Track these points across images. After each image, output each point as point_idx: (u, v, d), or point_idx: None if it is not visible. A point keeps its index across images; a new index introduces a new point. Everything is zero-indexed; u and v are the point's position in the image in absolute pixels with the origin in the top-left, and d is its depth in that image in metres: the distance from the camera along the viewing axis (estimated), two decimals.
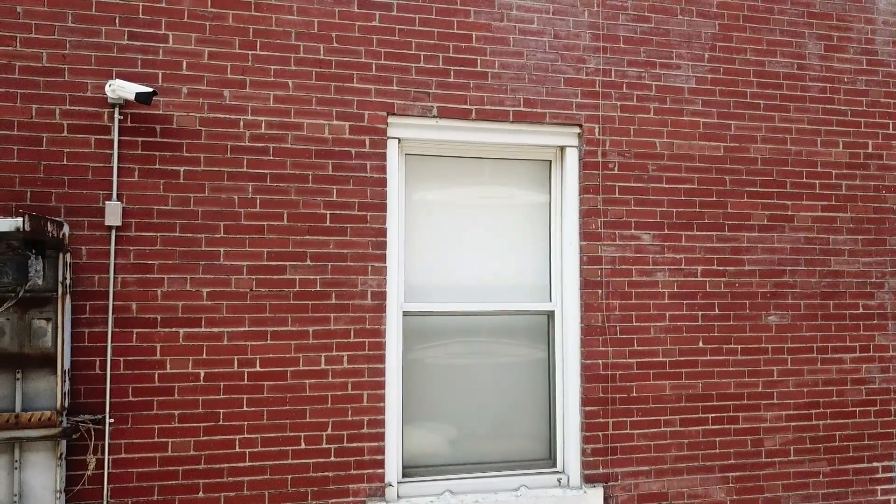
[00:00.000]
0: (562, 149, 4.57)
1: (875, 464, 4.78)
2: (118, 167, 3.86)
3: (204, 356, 3.90)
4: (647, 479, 4.42)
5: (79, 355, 3.74)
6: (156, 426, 3.82)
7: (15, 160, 3.75)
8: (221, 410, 3.91)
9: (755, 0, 4.82)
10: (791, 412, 4.67)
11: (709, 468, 4.51)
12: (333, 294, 4.08)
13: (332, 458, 4.01)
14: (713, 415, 4.54)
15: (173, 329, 3.88)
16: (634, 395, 4.43)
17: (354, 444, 4.05)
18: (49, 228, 3.43)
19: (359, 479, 4.04)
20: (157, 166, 3.92)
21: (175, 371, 3.86)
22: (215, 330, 3.93)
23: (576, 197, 4.50)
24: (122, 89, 3.76)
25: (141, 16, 3.95)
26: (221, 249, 3.96)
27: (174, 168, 3.93)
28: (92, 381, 3.75)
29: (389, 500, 4.09)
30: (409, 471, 4.27)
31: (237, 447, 3.91)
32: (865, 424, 4.78)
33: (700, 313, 4.57)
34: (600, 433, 4.37)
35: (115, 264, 3.82)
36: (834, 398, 4.75)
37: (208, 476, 3.86)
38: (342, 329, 4.08)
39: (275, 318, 4.00)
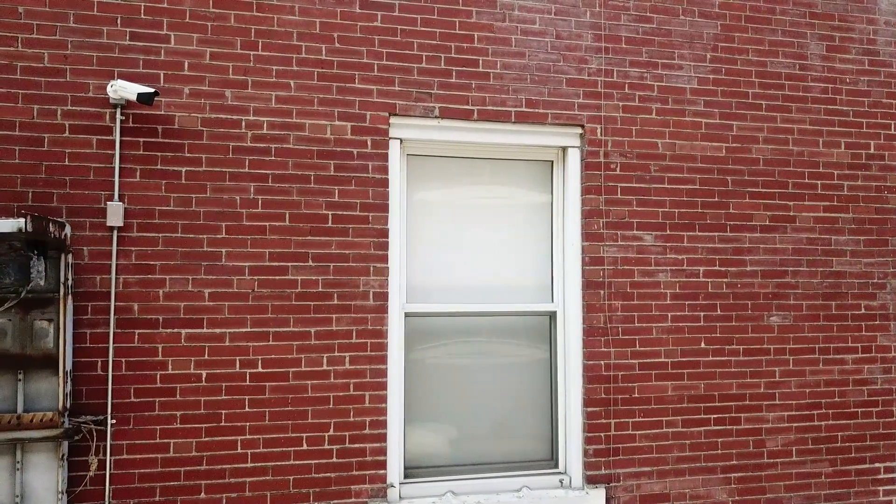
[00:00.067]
0: (563, 149, 4.56)
1: (877, 464, 4.78)
2: (120, 168, 3.86)
3: (206, 357, 3.90)
4: (649, 479, 4.41)
5: (80, 356, 3.73)
6: (157, 427, 3.82)
7: (16, 160, 3.74)
8: (223, 411, 3.90)
9: (757, 0, 4.82)
10: (793, 413, 4.67)
11: (711, 469, 4.51)
12: (335, 295, 4.08)
13: (334, 459, 4.01)
14: (715, 415, 4.54)
15: (175, 330, 3.87)
16: (636, 395, 4.43)
17: (356, 445, 4.04)
18: (51, 229, 3.43)
19: (361, 479, 4.04)
20: (158, 167, 3.91)
21: (177, 372, 3.86)
22: (217, 331, 3.92)
23: (577, 197, 4.50)
24: (123, 90, 3.75)
25: (143, 16, 3.95)
26: (223, 250, 3.96)
27: (176, 168, 3.93)
28: (94, 381, 3.75)
29: (391, 500, 4.08)
30: (410, 471, 4.26)
31: (239, 448, 3.90)
32: (867, 425, 4.78)
33: (702, 314, 4.57)
34: (602, 434, 4.37)
35: (116, 265, 3.82)
36: (836, 399, 4.74)
37: (210, 477, 3.86)
38: (344, 330, 4.07)
39: (277, 318, 3.99)
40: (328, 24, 4.17)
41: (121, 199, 3.84)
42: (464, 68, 4.34)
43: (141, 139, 3.90)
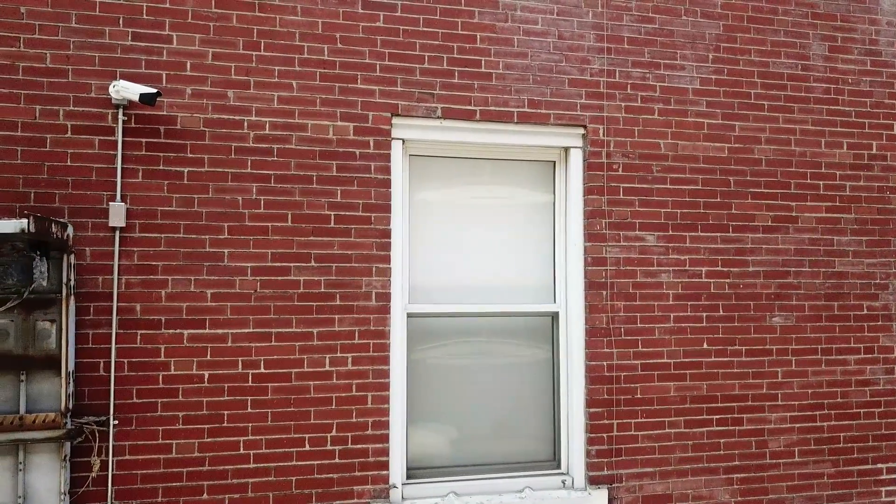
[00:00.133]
0: (566, 150, 4.56)
1: (879, 465, 4.78)
2: (122, 168, 3.85)
3: (208, 357, 3.89)
4: (652, 480, 4.41)
5: (83, 357, 3.73)
6: (160, 428, 3.81)
7: (19, 161, 3.74)
8: (226, 412, 3.90)
9: (759, 1, 4.81)
10: (795, 413, 4.67)
11: (713, 470, 4.50)
12: (338, 295, 4.07)
13: (337, 460, 4.00)
14: (718, 416, 4.54)
15: (177, 330, 3.87)
16: (639, 396, 4.43)
17: (359, 446, 4.04)
18: (53, 230, 3.42)
19: (363, 480, 4.03)
20: (161, 167, 3.91)
21: (179, 372, 3.85)
22: (219, 331, 3.92)
23: (580, 198, 4.50)
24: (126, 90, 3.74)
25: (144, 16, 3.94)
26: (226, 250, 3.95)
27: (178, 169, 3.92)
28: (96, 382, 3.74)
29: (394, 501, 4.08)
30: (413, 472, 4.26)
31: (241, 449, 3.90)
32: (870, 426, 4.78)
33: (704, 314, 4.57)
34: (605, 434, 4.36)
35: (119, 265, 3.81)
36: (838, 399, 4.74)
37: (213, 478, 3.85)
38: (346, 330, 4.07)
39: (279, 319, 3.99)
40: (330, 24, 4.17)
41: (123, 199, 3.84)
42: (466, 69, 4.33)
43: (143, 139, 3.89)
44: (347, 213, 4.12)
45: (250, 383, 3.93)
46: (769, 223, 4.72)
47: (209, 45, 4.01)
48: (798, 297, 4.73)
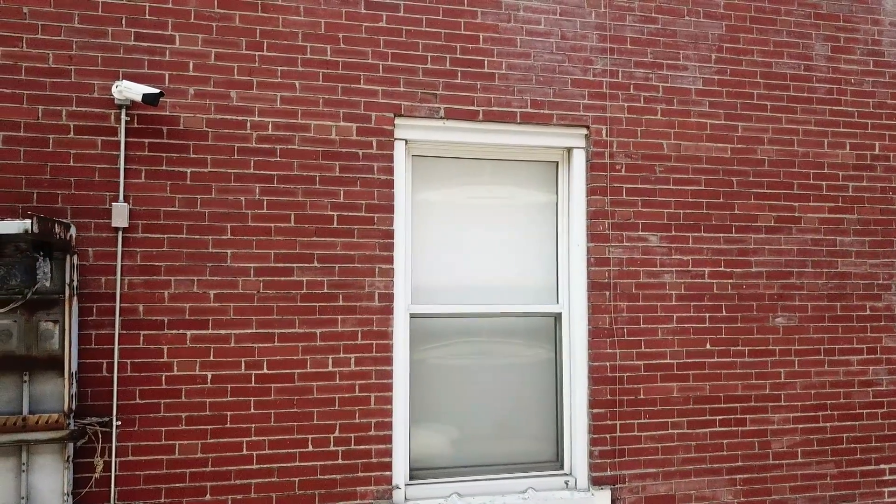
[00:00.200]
0: (569, 150, 4.56)
1: (882, 466, 4.78)
2: (125, 168, 3.84)
3: (211, 358, 3.89)
4: (655, 481, 4.41)
5: (86, 357, 3.72)
6: (163, 428, 3.81)
7: (21, 161, 3.73)
8: (229, 413, 3.89)
9: (762, 1, 4.81)
10: (798, 414, 4.66)
11: (716, 470, 4.50)
12: (341, 296, 4.07)
13: (340, 461, 4.00)
14: (720, 417, 4.53)
15: (180, 331, 3.86)
16: (642, 397, 4.42)
17: (362, 447, 4.03)
18: (56, 230, 3.42)
19: (366, 481, 4.03)
20: (163, 167, 3.90)
21: (182, 373, 3.85)
22: (222, 332, 3.91)
23: (583, 198, 4.49)
24: (128, 90, 3.74)
25: (147, 16, 3.93)
26: (228, 251, 3.95)
27: (181, 169, 3.92)
28: (99, 383, 3.74)
29: (397, 502, 4.07)
30: (416, 473, 4.25)
31: (244, 449, 3.89)
32: (873, 426, 4.77)
33: (707, 315, 4.56)
34: (608, 435, 4.36)
35: (121, 266, 3.80)
36: (841, 400, 4.74)
37: (216, 478, 3.85)
38: (349, 331, 4.06)
39: (282, 319, 3.98)
40: (333, 24, 4.16)
41: (126, 199, 3.83)
42: (469, 69, 4.33)
43: (146, 140, 3.89)
44: (350, 214, 4.11)
45: (253, 384, 3.93)
46: (772, 224, 4.71)
47: (212, 45, 4.00)
48: (801, 298, 4.72)
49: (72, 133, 3.80)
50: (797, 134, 4.80)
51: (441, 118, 4.28)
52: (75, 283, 3.63)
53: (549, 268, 4.57)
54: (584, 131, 4.51)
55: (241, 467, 3.88)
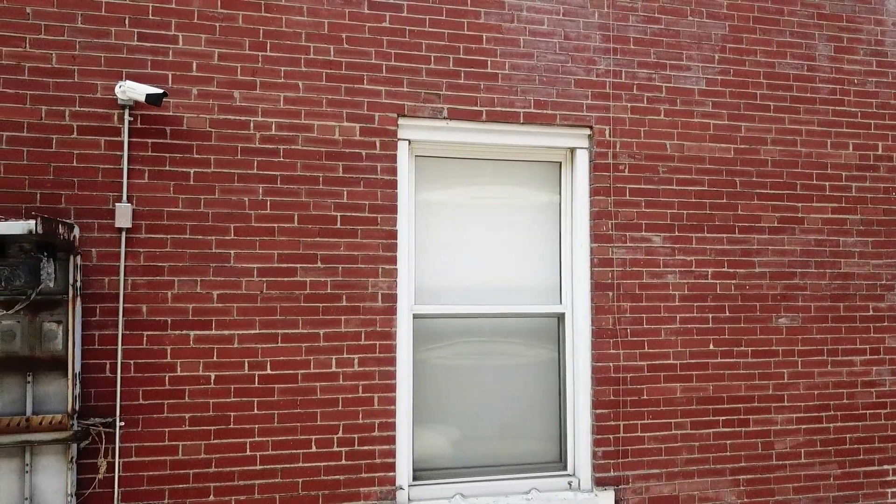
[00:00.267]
0: (572, 150, 4.55)
1: (885, 466, 4.77)
2: (128, 169, 3.84)
3: (214, 359, 3.88)
4: (658, 482, 4.40)
5: (89, 358, 3.72)
6: (166, 429, 3.80)
7: (24, 162, 3.73)
8: (232, 413, 3.89)
9: (765, 1, 4.81)
10: (801, 415, 4.66)
11: (719, 471, 4.50)
12: (344, 296, 4.06)
13: (343, 462, 4.00)
14: (724, 417, 4.53)
15: (184, 332, 3.86)
16: (645, 397, 4.42)
17: (365, 447, 4.03)
18: (60, 230, 3.41)
19: (370, 482, 4.02)
20: (167, 168, 3.90)
21: (185, 374, 3.84)
22: (226, 332, 3.91)
23: (586, 199, 4.49)
24: (132, 90, 3.74)
25: (150, 16, 3.93)
26: (232, 251, 3.94)
27: (184, 170, 3.91)
28: (102, 384, 3.73)
29: (400, 503, 4.07)
30: (419, 474, 4.25)
31: (248, 450, 3.89)
32: (876, 427, 4.77)
33: (710, 315, 4.56)
34: (611, 436, 4.36)
35: (125, 266, 3.80)
36: (844, 401, 4.74)
37: (219, 479, 3.84)
38: (353, 331, 4.06)
39: (285, 320, 3.98)
40: (336, 24, 4.16)
41: (129, 200, 3.83)
42: (472, 69, 4.32)
43: (149, 140, 3.88)
44: (354, 214, 4.11)
45: (257, 384, 3.92)
46: (775, 224, 4.71)
47: (215, 45, 4.00)
48: (804, 299, 4.72)
49: (75, 133, 3.80)
50: (800, 134, 4.80)
51: (444, 118, 4.28)
52: (79, 284, 3.62)
53: (552, 268, 4.57)
54: (588, 131, 4.50)
55: (245, 468, 3.88)
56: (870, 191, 4.89)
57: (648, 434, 4.41)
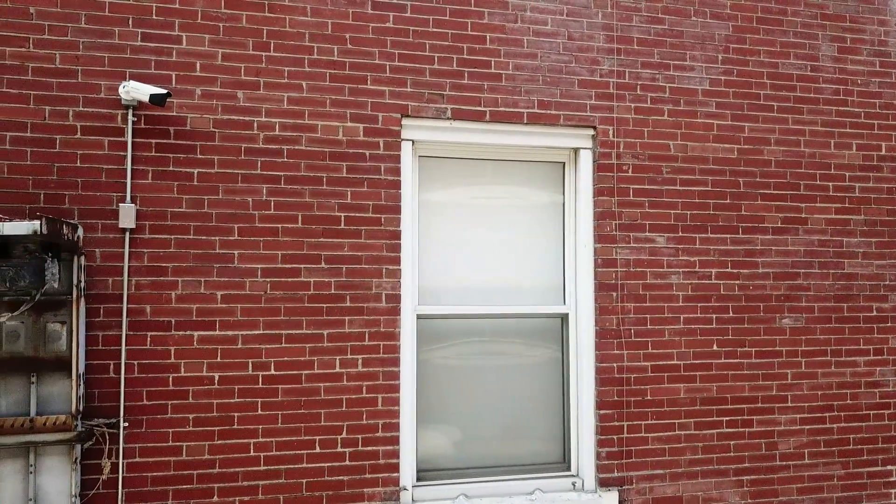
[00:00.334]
0: (575, 150, 4.55)
1: (889, 467, 4.77)
2: (132, 169, 3.84)
3: (218, 359, 3.88)
4: (662, 482, 4.40)
5: (93, 359, 3.71)
6: (170, 430, 3.80)
7: (28, 162, 3.72)
8: (236, 414, 3.88)
9: (769, 2, 4.81)
10: (805, 415, 4.66)
11: (723, 472, 4.49)
12: (348, 297, 4.06)
13: (347, 462, 3.99)
14: (727, 418, 4.52)
15: (187, 332, 3.85)
16: (649, 398, 4.42)
17: (369, 448, 4.02)
18: (64, 231, 3.41)
19: (374, 482, 4.02)
20: (170, 168, 3.89)
21: (189, 374, 3.84)
22: (230, 333, 3.90)
23: (590, 199, 4.48)
24: (136, 91, 3.73)
25: (154, 17, 3.93)
26: (236, 252, 3.94)
27: (188, 170, 3.91)
28: (106, 384, 3.73)
29: (404, 503, 4.07)
30: (423, 474, 4.24)
31: (252, 451, 3.88)
32: (879, 427, 4.77)
33: (714, 316, 4.56)
34: (615, 436, 4.35)
35: (129, 267, 3.80)
36: (848, 401, 4.73)
37: (223, 480, 3.84)
38: (357, 332, 4.05)
39: (289, 320, 3.98)
40: (340, 24, 4.15)
41: (133, 200, 3.83)
42: (476, 69, 4.32)
43: (153, 140, 3.88)
44: (357, 215, 4.10)
45: (260, 385, 3.92)
46: (778, 224, 4.71)
47: (219, 45, 3.99)
48: (807, 299, 4.72)
49: (79, 133, 3.79)
50: (804, 135, 4.80)
51: (448, 119, 4.28)
52: (82, 285, 3.62)
53: (555, 268, 4.57)
54: (591, 132, 4.50)
55: (249, 468, 3.88)
56: (873, 191, 4.89)
57: (652, 434, 4.40)
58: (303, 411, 3.96)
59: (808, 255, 4.74)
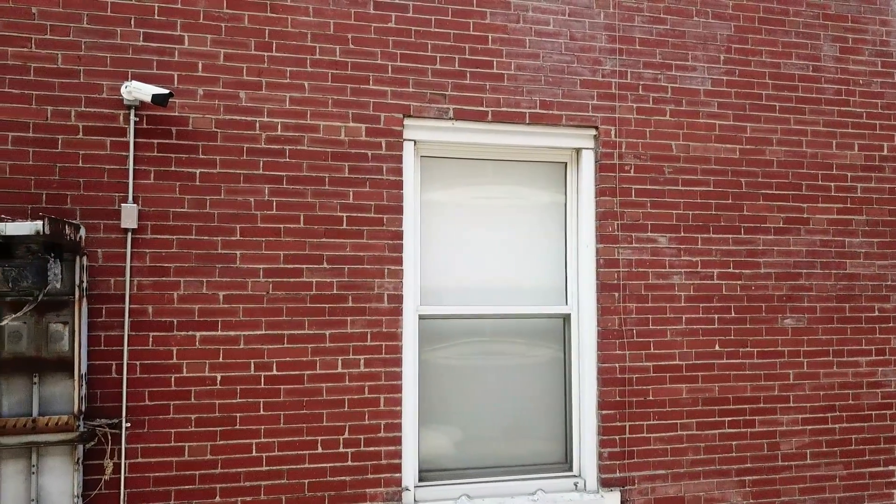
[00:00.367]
0: (577, 151, 4.55)
1: (891, 467, 4.77)
2: (134, 169, 3.83)
3: (220, 360, 3.88)
4: (664, 482, 4.40)
5: (95, 359, 3.71)
6: (172, 430, 3.79)
7: (30, 162, 3.72)
8: (238, 414, 3.88)
9: (770, 2, 4.80)
10: (807, 416, 4.65)
11: (725, 472, 4.49)
12: (350, 297, 4.06)
13: (349, 463, 3.99)
14: (729, 418, 4.52)
15: (189, 332, 3.85)
16: (651, 398, 4.41)
17: (371, 448, 4.02)
18: (67, 231, 3.41)
19: (376, 483, 4.02)
20: (172, 168, 3.89)
21: (191, 375, 3.84)
22: (231, 333, 3.90)
23: (592, 199, 4.48)
24: (138, 91, 3.73)
25: (156, 17, 3.92)
26: (238, 252, 3.94)
27: (190, 170, 3.91)
28: (108, 384, 3.73)
29: None
30: (425, 475, 4.24)
31: (254, 451, 3.88)
32: (881, 428, 4.77)
33: (716, 316, 4.56)
34: (617, 437, 4.35)
35: (131, 267, 3.79)
36: (850, 401, 4.73)
37: (225, 480, 3.84)
38: (359, 332, 4.05)
39: (291, 321, 3.97)
40: (342, 24, 4.15)
41: (135, 200, 3.82)
42: (478, 69, 4.32)
43: (155, 140, 3.88)
44: (360, 215, 4.10)
45: (263, 385, 3.92)
46: (781, 225, 4.71)
47: (221, 45, 3.99)
48: (810, 299, 4.72)
49: (81, 134, 3.79)
50: (805, 135, 4.80)
51: (450, 119, 4.27)
52: (85, 285, 3.62)
53: (557, 269, 4.56)
54: (593, 132, 4.50)
55: (251, 469, 3.87)
56: (875, 191, 4.89)
57: (654, 435, 4.40)
58: (305, 411, 3.96)
59: (810, 255, 4.74)
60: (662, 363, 4.44)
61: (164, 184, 3.87)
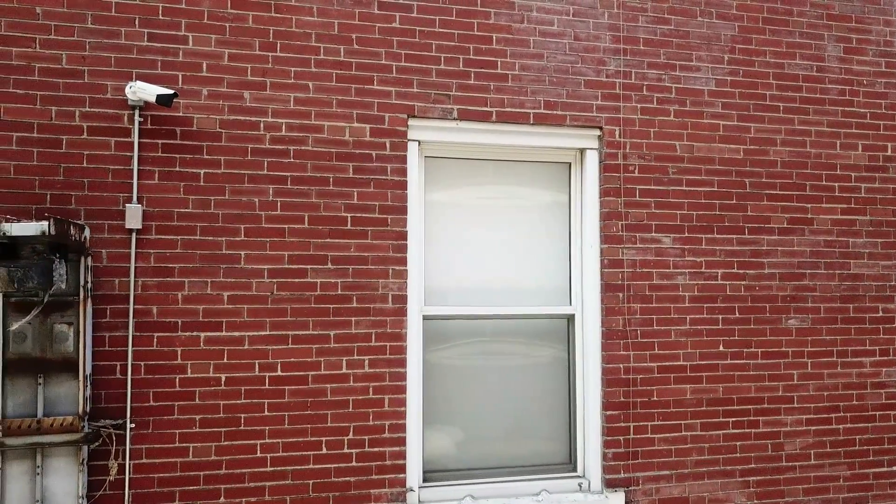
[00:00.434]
0: (581, 151, 4.54)
1: (895, 468, 4.77)
2: (138, 169, 3.83)
3: (225, 360, 3.87)
4: (668, 483, 4.40)
5: (100, 360, 3.70)
6: (177, 431, 3.79)
7: (34, 162, 3.71)
8: (242, 415, 3.88)
9: (774, 2, 4.80)
10: (811, 416, 4.65)
11: (729, 472, 4.49)
12: (354, 297, 4.05)
13: (354, 463, 3.98)
14: (734, 419, 4.52)
15: (194, 333, 3.85)
16: (655, 399, 4.41)
17: (376, 449, 4.02)
18: (72, 232, 3.40)
19: (380, 483, 4.01)
20: (177, 168, 3.88)
21: (196, 375, 3.83)
22: (236, 334, 3.90)
23: (596, 199, 4.48)
24: (142, 91, 3.72)
25: (160, 17, 3.92)
26: (242, 252, 3.93)
27: (194, 170, 3.90)
28: (113, 385, 3.72)
29: None
30: (429, 475, 4.24)
31: (258, 452, 3.88)
32: (885, 428, 4.77)
33: (720, 317, 4.55)
34: (621, 437, 4.35)
35: (135, 268, 3.79)
36: (854, 402, 4.73)
37: (230, 481, 3.83)
38: (363, 333, 4.05)
39: (296, 321, 3.97)
40: (346, 25, 4.15)
41: (139, 201, 3.82)
42: (482, 70, 4.31)
43: (159, 141, 3.87)
44: (364, 215, 4.10)
45: (267, 386, 3.91)
46: (784, 225, 4.70)
47: (225, 45, 3.99)
48: (813, 300, 4.71)
49: (85, 134, 3.78)
50: (810, 135, 4.79)
51: (454, 119, 4.27)
52: (89, 285, 3.61)
53: (561, 269, 4.56)
54: (597, 132, 4.50)
55: (255, 470, 3.87)
56: (879, 192, 4.88)
57: (658, 435, 4.40)
58: (309, 412, 3.95)
59: (814, 255, 4.74)
60: (667, 363, 4.44)
61: (168, 184, 3.86)
